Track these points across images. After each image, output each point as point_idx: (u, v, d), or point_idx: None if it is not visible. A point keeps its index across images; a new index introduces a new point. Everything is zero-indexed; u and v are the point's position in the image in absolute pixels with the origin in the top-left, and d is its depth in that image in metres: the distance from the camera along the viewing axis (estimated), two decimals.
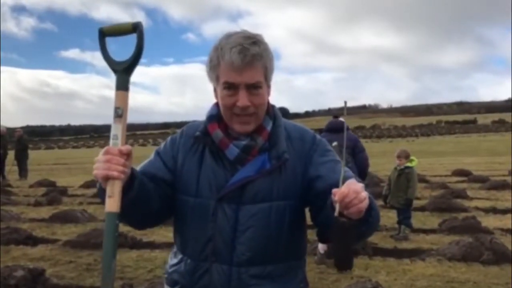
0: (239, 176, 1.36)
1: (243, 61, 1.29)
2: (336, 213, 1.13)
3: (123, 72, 1.28)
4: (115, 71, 1.29)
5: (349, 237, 1.16)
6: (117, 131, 1.24)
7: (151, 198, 1.36)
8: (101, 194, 1.26)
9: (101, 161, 1.20)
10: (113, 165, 1.20)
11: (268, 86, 1.40)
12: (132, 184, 1.27)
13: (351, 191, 1.11)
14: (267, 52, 1.35)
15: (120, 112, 1.24)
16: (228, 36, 1.34)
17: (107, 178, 1.20)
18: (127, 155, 1.23)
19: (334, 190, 1.15)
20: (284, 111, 5.40)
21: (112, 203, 1.20)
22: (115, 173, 1.19)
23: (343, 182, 1.17)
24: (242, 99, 1.32)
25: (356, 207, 1.12)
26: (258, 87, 1.34)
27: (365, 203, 1.14)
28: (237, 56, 1.29)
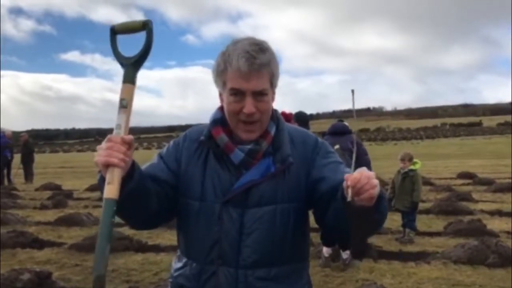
0: (245, 180, 1.38)
1: (250, 69, 1.31)
2: (349, 198, 1.14)
3: (130, 66, 1.31)
4: (123, 65, 1.32)
5: (364, 222, 1.17)
6: (120, 121, 1.26)
7: (150, 195, 1.37)
8: (101, 183, 1.26)
9: (102, 148, 1.21)
10: (114, 152, 1.20)
11: (273, 92, 1.43)
12: (132, 175, 1.27)
13: (363, 176, 1.13)
14: (273, 59, 1.37)
15: (124, 103, 1.27)
16: (235, 43, 1.36)
17: (107, 165, 1.20)
18: (129, 144, 1.24)
19: (347, 176, 1.16)
20: (303, 115, 5.39)
21: (111, 190, 1.20)
22: (115, 160, 1.19)
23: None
24: (248, 105, 1.34)
25: (368, 192, 1.13)
26: (264, 94, 1.36)
27: (377, 189, 1.15)
28: (244, 63, 1.31)
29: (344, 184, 1.17)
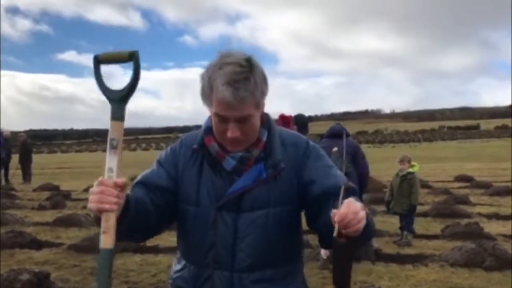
0: (238, 186, 1.41)
1: (234, 99, 1.31)
2: (334, 234, 1.17)
3: (118, 101, 1.25)
4: (110, 100, 1.26)
5: (347, 256, 1.21)
6: (112, 164, 1.23)
7: (149, 215, 1.40)
8: (96, 222, 1.28)
9: (94, 193, 1.22)
10: (107, 197, 1.21)
11: (261, 110, 1.43)
12: (127, 209, 1.29)
13: (350, 212, 1.15)
14: (258, 84, 1.34)
15: (115, 144, 1.23)
16: (221, 65, 1.33)
17: (99, 211, 1.22)
18: (122, 187, 1.24)
19: (334, 211, 1.18)
20: (302, 118, 5.44)
21: (107, 240, 1.20)
22: (106, 206, 1.21)
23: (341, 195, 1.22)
24: (232, 131, 1.36)
25: (354, 227, 1.16)
26: (248, 120, 1.37)
27: (363, 223, 1.17)
28: (229, 94, 1.30)
29: (333, 213, 1.19)
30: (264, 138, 1.45)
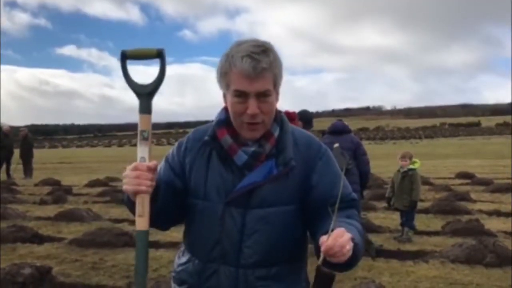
0: (247, 181, 1.39)
1: (254, 71, 1.32)
2: (319, 262, 1.21)
3: (146, 96, 1.33)
4: (138, 94, 1.34)
5: (328, 285, 1.23)
6: (144, 153, 1.32)
7: (170, 204, 1.43)
8: (128, 204, 1.37)
9: (130, 177, 1.29)
10: (142, 180, 1.28)
11: (277, 93, 1.43)
12: (158, 194, 1.36)
13: (336, 245, 1.17)
14: (276, 60, 1.38)
15: (146, 135, 1.32)
16: (239, 44, 1.37)
17: (137, 193, 1.29)
18: (154, 171, 1.31)
19: (322, 240, 1.20)
20: (307, 114, 5.42)
21: (143, 222, 1.29)
22: (143, 188, 1.29)
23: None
24: (252, 107, 1.35)
25: (339, 259, 1.19)
26: (268, 95, 1.37)
27: (348, 255, 1.20)
28: (248, 65, 1.32)
29: (321, 241, 1.21)
30: (276, 134, 1.44)
